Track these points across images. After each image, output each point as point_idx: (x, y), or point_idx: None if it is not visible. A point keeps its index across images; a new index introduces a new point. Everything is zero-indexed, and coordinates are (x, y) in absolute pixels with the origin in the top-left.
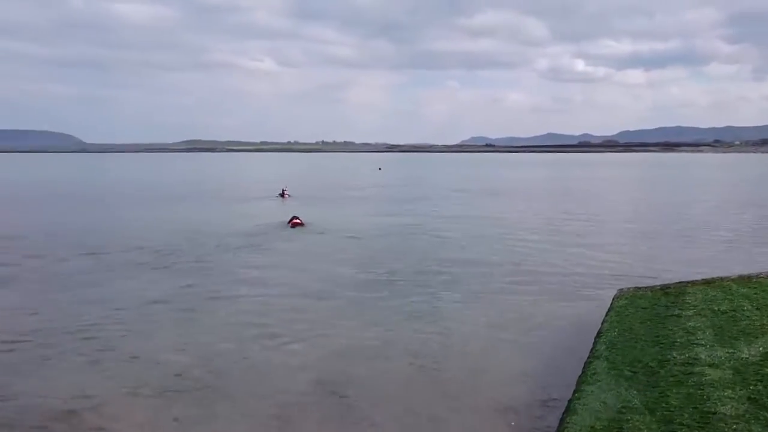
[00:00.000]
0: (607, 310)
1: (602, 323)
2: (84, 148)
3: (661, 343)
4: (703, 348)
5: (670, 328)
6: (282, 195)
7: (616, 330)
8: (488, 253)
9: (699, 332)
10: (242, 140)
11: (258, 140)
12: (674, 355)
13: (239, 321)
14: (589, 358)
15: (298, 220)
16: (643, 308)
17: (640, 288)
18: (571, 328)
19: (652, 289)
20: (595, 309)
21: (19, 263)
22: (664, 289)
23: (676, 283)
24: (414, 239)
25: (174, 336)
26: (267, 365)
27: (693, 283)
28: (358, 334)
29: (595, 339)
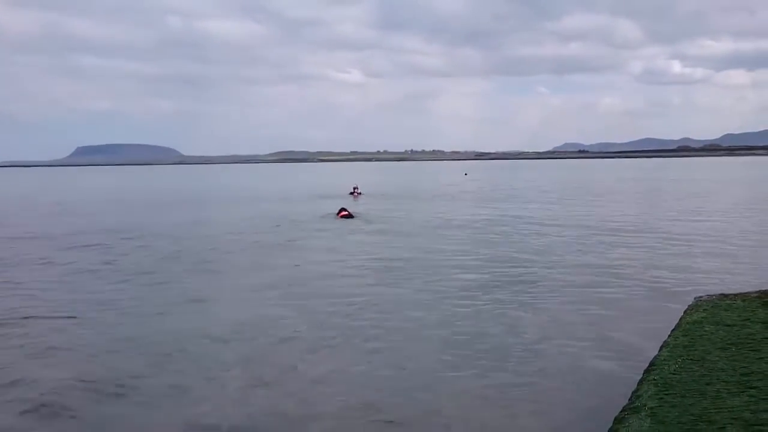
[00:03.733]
0: (673, 327)
1: (660, 348)
2: (183, 161)
3: (753, 387)
4: None
5: None
6: (353, 193)
7: (679, 361)
8: (543, 252)
9: None
10: (333, 150)
11: (348, 150)
12: None
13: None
14: (623, 411)
15: (345, 212)
16: (727, 325)
17: (727, 295)
18: (620, 354)
19: (744, 296)
20: (662, 326)
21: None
22: (763, 296)
23: None
24: (464, 235)
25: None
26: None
27: None
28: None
29: (642, 376)
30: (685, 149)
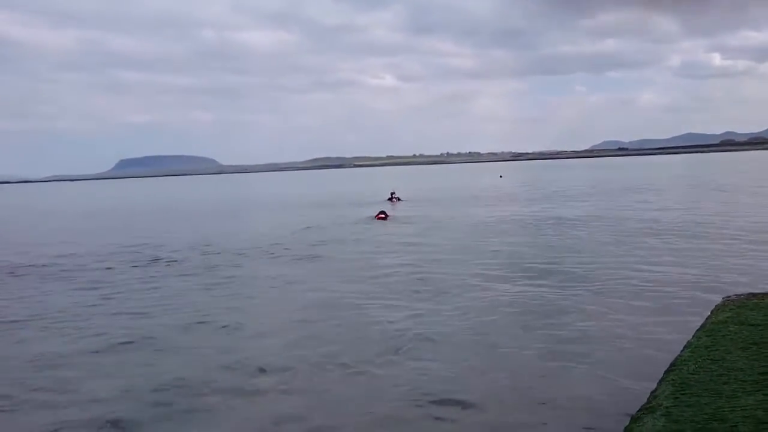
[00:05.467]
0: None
1: (683, 348)
2: (222, 170)
3: None
4: None
5: None
6: (391, 199)
7: (699, 360)
8: (564, 252)
9: None
10: (369, 155)
11: (384, 155)
12: None
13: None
14: (640, 410)
15: (382, 215)
16: (752, 325)
17: (755, 294)
18: (642, 357)
19: None
20: (686, 328)
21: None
22: None
23: None
24: (493, 235)
25: None
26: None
27: None
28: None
29: (663, 376)
30: (728, 143)
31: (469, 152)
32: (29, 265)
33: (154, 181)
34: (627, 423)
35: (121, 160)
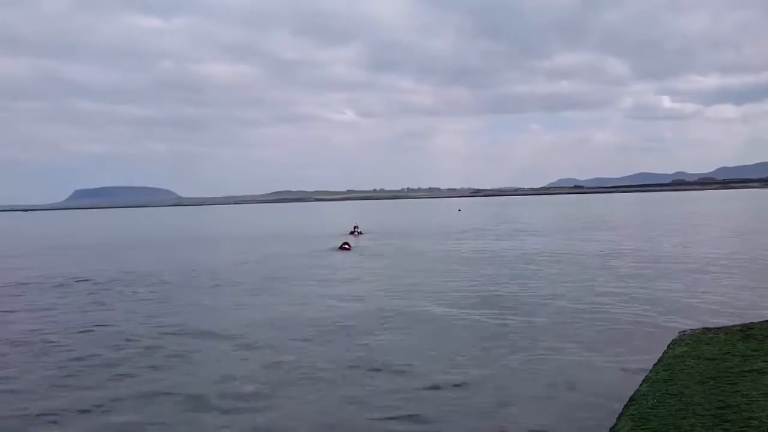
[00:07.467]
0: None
1: (642, 383)
2: (180, 202)
3: (727, 420)
4: None
5: (746, 392)
6: (353, 233)
7: (658, 395)
8: (515, 286)
9: None
10: (330, 189)
11: (345, 189)
12: None
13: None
14: None
15: (346, 246)
16: (708, 359)
17: (710, 329)
18: (601, 392)
19: (727, 330)
20: (644, 362)
21: None
22: (745, 329)
23: (763, 321)
24: (451, 266)
25: None
26: None
27: None
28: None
29: (621, 411)
30: (679, 183)
31: (430, 188)
32: None
33: (111, 212)
34: None
35: (77, 191)
